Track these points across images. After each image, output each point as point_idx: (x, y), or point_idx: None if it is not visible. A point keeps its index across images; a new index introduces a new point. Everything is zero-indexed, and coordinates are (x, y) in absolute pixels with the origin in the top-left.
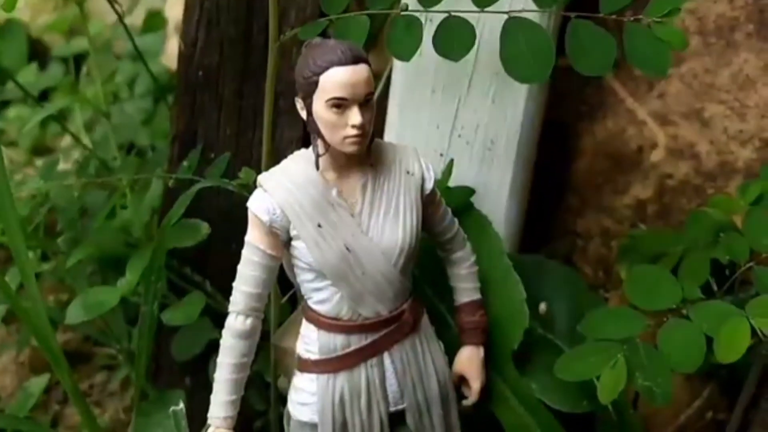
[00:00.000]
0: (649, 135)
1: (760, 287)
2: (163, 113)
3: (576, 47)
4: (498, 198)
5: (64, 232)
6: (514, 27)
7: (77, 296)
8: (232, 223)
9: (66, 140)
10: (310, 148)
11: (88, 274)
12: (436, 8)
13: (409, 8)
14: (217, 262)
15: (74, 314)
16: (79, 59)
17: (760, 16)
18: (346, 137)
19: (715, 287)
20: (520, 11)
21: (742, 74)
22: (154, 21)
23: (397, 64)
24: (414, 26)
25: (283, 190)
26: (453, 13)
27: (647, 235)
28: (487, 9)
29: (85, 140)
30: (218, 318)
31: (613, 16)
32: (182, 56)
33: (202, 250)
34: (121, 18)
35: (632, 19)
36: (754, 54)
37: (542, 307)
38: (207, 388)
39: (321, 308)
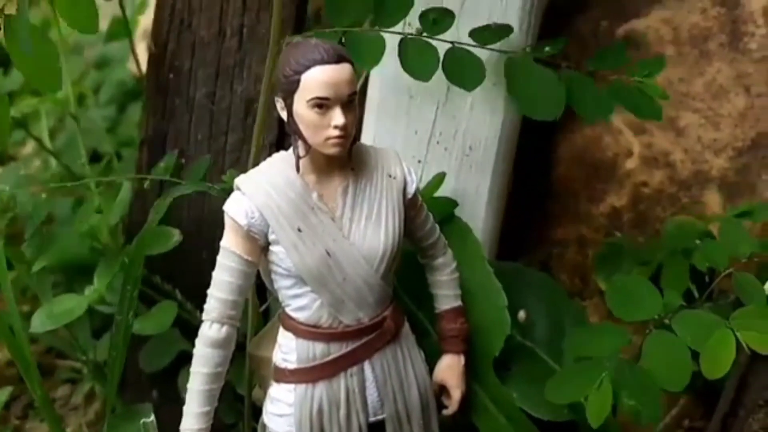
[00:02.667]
0: (624, 143)
1: (741, 294)
2: (127, 121)
3: (571, 96)
4: (476, 205)
5: (27, 239)
6: (518, 66)
7: (42, 304)
8: (202, 230)
9: (28, 148)
10: (290, 150)
11: (52, 283)
12: (441, 37)
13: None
14: (187, 270)
15: (39, 323)
16: None
17: (733, 26)
18: (328, 138)
19: (696, 294)
20: (511, 52)
21: (716, 83)
22: (121, 27)
23: (375, 68)
24: (428, 50)
25: (262, 193)
26: (456, 45)
27: (624, 243)
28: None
29: (49, 147)
30: (187, 328)
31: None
32: (152, 58)
33: (171, 258)
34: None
35: (615, 78)
36: (727, 63)
37: (521, 314)
38: (175, 400)
39: (300, 315)
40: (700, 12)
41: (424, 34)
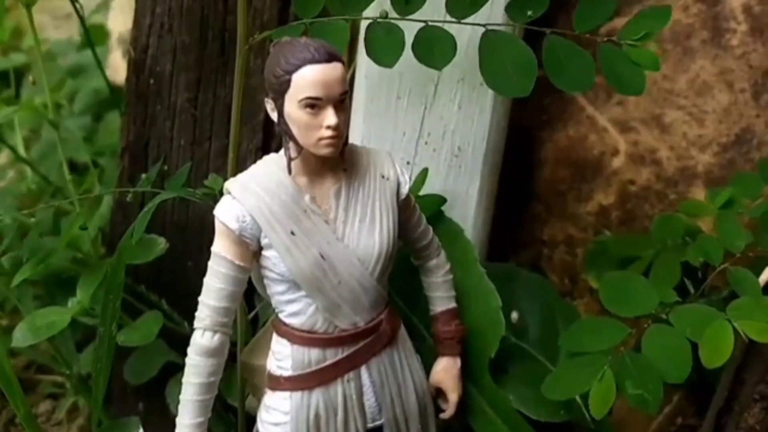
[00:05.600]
0: (610, 142)
1: (737, 287)
2: (104, 129)
3: (553, 64)
4: (466, 205)
5: (7, 252)
6: (492, 41)
7: (24, 318)
8: (187, 237)
9: (2, 158)
10: (281, 153)
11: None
12: (413, 17)
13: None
14: (172, 278)
15: (21, 337)
16: (19, 76)
17: (714, 23)
18: (320, 139)
19: (692, 290)
20: (491, 24)
21: (699, 80)
22: (97, 35)
23: (361, 70)
24: (394, 34)
25: (253, 196)
26: (430, 23)
27: (614, 240)
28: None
29: (24, 157)
30: (174, 338)
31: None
32: (132, 64)
33: (156, 267)
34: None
35: (606, 40)
36: (710, 60)
37: (514, 315)
38: (162, 413)
39: (294, 321)
40: (682, 9)
41: (392, 16)
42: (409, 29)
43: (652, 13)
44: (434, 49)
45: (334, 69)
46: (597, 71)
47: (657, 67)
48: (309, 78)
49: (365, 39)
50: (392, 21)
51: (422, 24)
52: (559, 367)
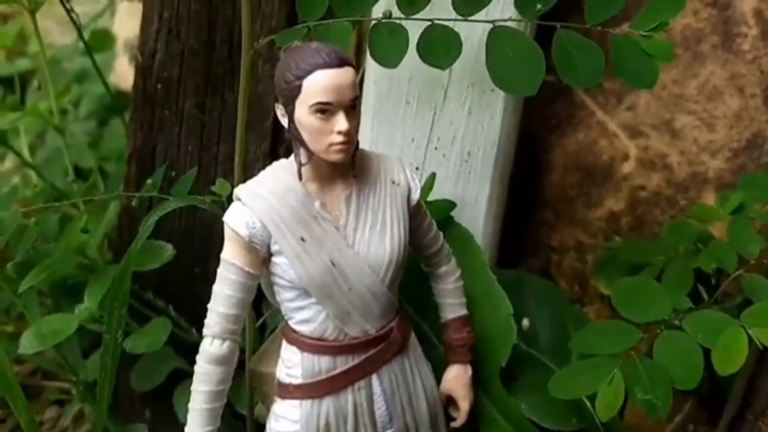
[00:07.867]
0: (620, 147)
1: (751, 294)
2: (109, 135)
3: (563, 58)
4: (475, 212)
5: (13, 258)
6: (499, 37)
7: (30, 324)
8: (195, 244)
9: (7, 164)
10: (291, 158)
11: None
12: (418, 16)
13: (393, 15)
14: (179, 286)
15: (28, 344)
16: (23, 82)
17: (725, 27)
18: (331, 144)
19: (705, 296)
20: (499, 20)
21: (710, 85)
22: (102, 40)
23: (370, 75)
24: (398, 33)
25: (263, 202)
26: (436, 21)
27: (625, 246)
28: (470, 18)
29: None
30: (181, 345)
31: (599, 28)
32: (140, 69)
33: (163, 274)
34: (79, 29)
35: (618, 32)
36: (720, 65)
37: (525, 323)
38: (169, 420)
39: (304, 329)
40: (693, 14)
41: (396, 16)
42: (417, 30)
43: (665, 1)
44: (438, 47)
45: (346, 74)
46: (608, 73)
47: (671, 58)
48: (320, 83)
49: (369, 40)
50: (397, 21)
51: (428, 24)
52: (568, 367)
